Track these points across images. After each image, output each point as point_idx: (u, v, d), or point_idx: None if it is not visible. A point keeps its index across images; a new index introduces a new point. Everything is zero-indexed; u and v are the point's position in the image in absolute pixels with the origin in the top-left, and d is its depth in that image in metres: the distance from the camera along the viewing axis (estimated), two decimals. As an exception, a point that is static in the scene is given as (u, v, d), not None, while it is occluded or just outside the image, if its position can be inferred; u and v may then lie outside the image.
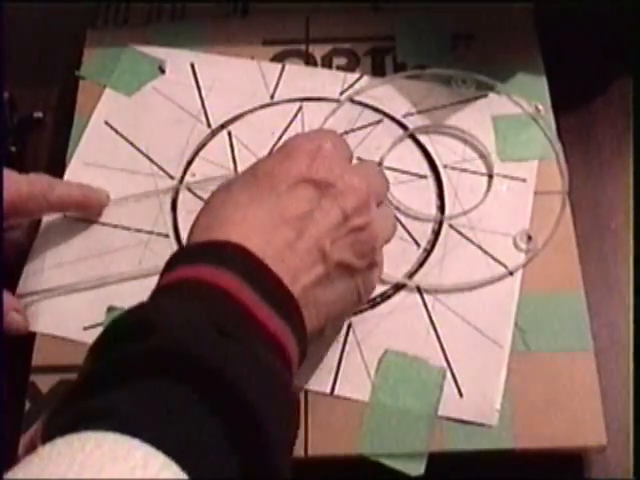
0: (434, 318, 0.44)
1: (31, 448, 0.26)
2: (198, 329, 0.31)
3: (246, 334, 0.32)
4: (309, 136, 0.40)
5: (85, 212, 0.48)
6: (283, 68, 0.55)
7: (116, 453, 0.25)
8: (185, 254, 0.36)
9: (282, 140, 0.52)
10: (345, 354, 0.44)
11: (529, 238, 0.47)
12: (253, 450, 0.29)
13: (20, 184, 0.44)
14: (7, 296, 0.44)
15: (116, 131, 0.53)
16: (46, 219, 0.49)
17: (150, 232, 0.49)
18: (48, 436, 0.27)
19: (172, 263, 0.35)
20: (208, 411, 0.28)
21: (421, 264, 0.46)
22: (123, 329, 0.31)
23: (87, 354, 0.31)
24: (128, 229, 0.49)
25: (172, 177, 0.51)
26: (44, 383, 0.44)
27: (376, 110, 0.53)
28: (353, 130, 0.52)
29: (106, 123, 0.53)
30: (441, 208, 0.48)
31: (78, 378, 0.31)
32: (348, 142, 0.51)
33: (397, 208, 0.48)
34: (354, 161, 0.43)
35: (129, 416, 0.27)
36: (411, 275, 0.46)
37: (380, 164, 0.50)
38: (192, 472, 0.26)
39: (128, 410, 0.27)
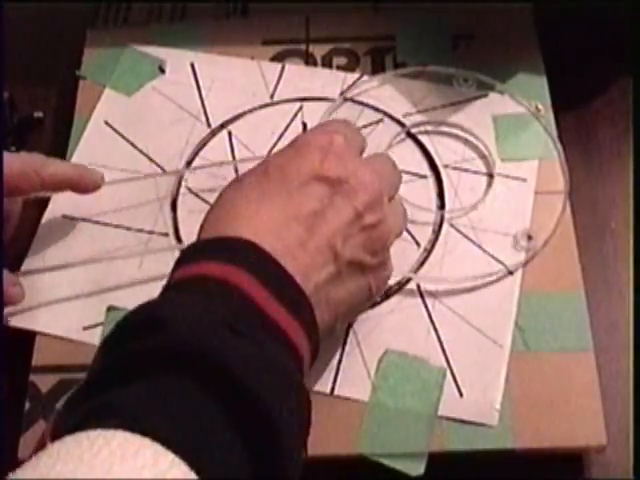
0: (434, 318, 0.44)
1: (40, 446, 0.26)
2: (208, 326, 0.30)
3: (257, 332, 0.32)
4: (321, 130, 0.40)
5: (79, 191, 0.47)
6: (283, 68, 0.55)
7: (125, 452, 0.25)
8: (196, 250, 0.36)
9: (282, 140, 0.52)
10: (345, 354, 0.44)
11: (529, 237, 0.47)
12: (264, 449, 0.28)
13: (12, 162, 0.43)
14: (5, 272, 0.44)
15: (116, 131, 0.53)
16: (46, 219, 0.49)
17: (150, 232, 0.49)
18: (57, 434, 0.26)
19: (183, 259, 0.35)
20: (218, 410, 0.28)
21: (421, 264, 0.46)
22: (133, 325, 0.31)
23: (97, 351, 0.32)
24: (128, 229, 0.49)
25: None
26: (44, 383, 0.44)
27: (376, 109, 0.53)
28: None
29: (106, 123, 0.53)
30: (441, 208, 0.48)
31: (88, 375, 0.31)
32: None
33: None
34: (365, 154, 0.42)
35: (138, 414, 0.27)
36: (409, 278, 0.46)
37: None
38: (201, 471, 0.26)
39: (137, 408, 0.27)
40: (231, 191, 0.38)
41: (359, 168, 0.38)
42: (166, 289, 0.34)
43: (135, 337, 0.30)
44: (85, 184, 0.47)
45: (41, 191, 0.46)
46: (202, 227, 0.38)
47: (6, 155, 0.43)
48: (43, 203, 0.50)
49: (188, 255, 0.36)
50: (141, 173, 0.51)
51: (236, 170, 0.51)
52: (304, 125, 0.52)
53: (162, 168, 0.51)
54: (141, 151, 0.52)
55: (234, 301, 0.32)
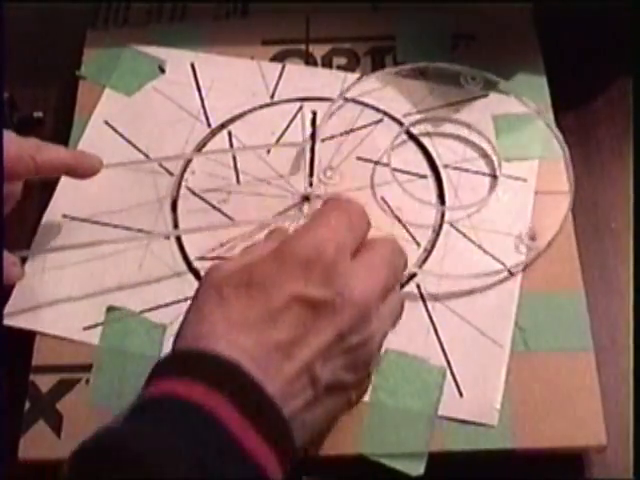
0: (434, 318, 0.44)
1: None
2: (178, 464, 0.29)
3: (229, 467, 0.31)
4: (312, 238, 0.36)
5: (76, 177, 0.46)
6: (283, 68, 0.55)
7: None
8: (174, 363, 0.34)
9: (282, 139, 0.52)
10: (345, 354, 0.43)
11: (532, 238, 0.46)
12: None
13: (8, 146, 0.43)
14: (4, 252, 0.44)
15: (116, 131, 0.53)
16: (46, 219, 0.49)
17: (150, 232, 0.49)
18: None
19: (159, 371, 0.34)
20: None
21: (422, 264, 0.46)
22: (104, 451, 0.30)
23: (67, 463, 0.30)
24: (128, 229, 0.49)
25: (171, 173, 0.51)
26: (44, 383, 0.44)
27: (376, 109, 0.53)
28: (353, 130, 0.52)
29: (106, 123, 0.53)
30: (441, 207, 0.48)
31: None
32: (348, 141, 0.51)
33: (398, 208, 0.48)
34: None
35: None
36: (411, 275, 0.46)
37: (377, 163, 0.50)
38: None
39: None
40: (212, 298, 0.35)
41: (348, 283, 0.35)
42: (141, 405, 0.33)
43: (104, 466, 0.29)
44: (82, 169, 0.46)
45: (36, 175, 0.45)
46: (181, 334, 0.35)
47: (3, 137, 0.43)
48: (43, 202, 0.50)
49: (165, 367, 0.34)
50: (141, 171, 0.51)
51: (236, 170, 0.51)
52: (314, 115, 0.51)
53: (162, 165, 0.51)
54: (141, 151, 0.52)
55: (209, 430, 0.31)
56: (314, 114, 0.50)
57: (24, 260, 0.47)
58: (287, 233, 0.41)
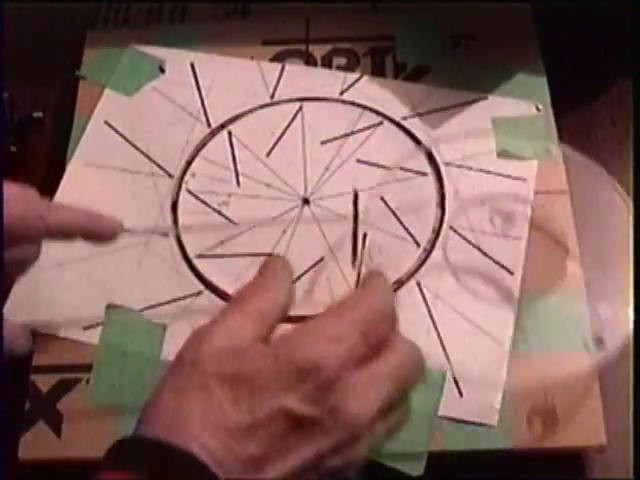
0: (434, 318, 0.44)
1: None
2: None
3: None
4: (317, 344, 0.31)
5: (93, 240, 0.42)
6: (283, 68, 0.55)
7: None
8: (141, 450, 0.31)
9: (283, 138, 0.52)
10: (345, 354, 0.43)
11: (600, 341, 0.45)
12: None
13: (12, 203, 0.38)
14: (8, 322, 0.42)
15: (116, 131, 0.53)
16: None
17: (150, 232, 0.49)
18: None
19: (122, 456, 0.31)
20: None
21: (421, 263, 0.46)
22: None
23: None
24: (128, 230, 0.49)
25: (171, 176, 0.51)
26: (44, 383, 0.44)
27: (376, 112, 0.53)
28: (354, 132, 0.52)
29: (106, 123, 0.53)
30: (441, 207, 0.48)
31: None
32: (348, 142, 0.51)
33: (397, 207, 0.48)
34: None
35: None
36: (412, 274, 0.46)
37: (377, 165, 0.50)
38: None
39: None
40: (193, 392, 0.32)
41: (342, 401, 0.31)
42: None
43: None
44: (99, 233, 0.42)
45: (47, 238, 0.40)
46: (149, 415, 0.32)
47: (6, 195, 0.38)
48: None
49: (129, 454, 0.31)
50: (141, 173, 0.51)
51: (236, 172, 0.51)
52: (355, 195, 0.47)
53: (162, 168, 0.51)
54: (141, 151, 0.52)
55: None
56: (355, 194, 0.46)
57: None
58: (284, 284, 0.34)
